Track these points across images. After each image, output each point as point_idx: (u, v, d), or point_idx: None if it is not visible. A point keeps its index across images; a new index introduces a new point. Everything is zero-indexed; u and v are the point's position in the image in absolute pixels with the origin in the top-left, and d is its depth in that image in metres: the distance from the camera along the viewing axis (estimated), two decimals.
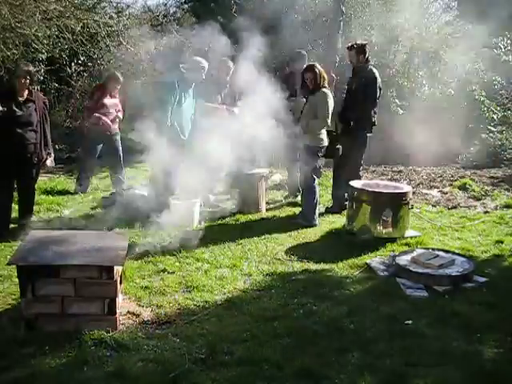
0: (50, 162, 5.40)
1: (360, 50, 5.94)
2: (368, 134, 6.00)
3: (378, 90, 5.96)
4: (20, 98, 5.03)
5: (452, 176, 8.13)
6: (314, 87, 5.58)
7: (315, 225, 5.66)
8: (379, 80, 5.98)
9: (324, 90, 5.56)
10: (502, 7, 9.71)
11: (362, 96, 5.84)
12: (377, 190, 5.29)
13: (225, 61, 6.24)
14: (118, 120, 6.87)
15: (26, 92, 5.06)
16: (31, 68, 5.16)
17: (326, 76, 5.64)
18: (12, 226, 5.21)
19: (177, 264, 4.49)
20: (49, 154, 5.35)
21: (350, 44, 6.15)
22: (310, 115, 5.58)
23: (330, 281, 4.21)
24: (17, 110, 4.98)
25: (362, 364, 3.01)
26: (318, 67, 5.63)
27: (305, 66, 5.88)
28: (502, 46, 10.29)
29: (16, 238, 4.78)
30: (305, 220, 5.70)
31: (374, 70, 5.98)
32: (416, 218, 5.80)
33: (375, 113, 5.97)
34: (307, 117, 5.61)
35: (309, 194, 5.71)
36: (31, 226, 4.99)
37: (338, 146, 5.90)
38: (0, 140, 5.02)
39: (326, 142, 5.70)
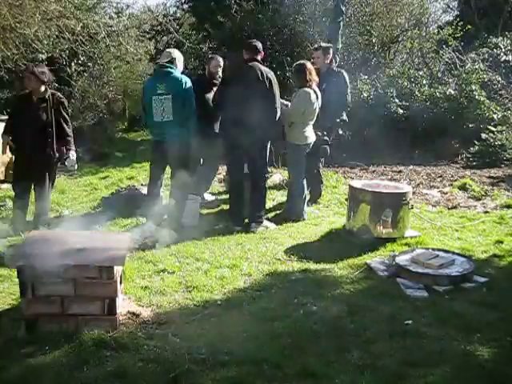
0: (68, 162, 5.20)
1: (326, 50, 6.32)
2: (340, 132, 6.55)
3: (348, 91, 6.43)
4: (33, 98, 5.04)
5: (452, 176, 8.13)
6: (298, 85, 5.75)
7: (304, 219, 5.86)
8: (348, 81, 6.42)
9: (305, 89, 5.64)
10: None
11: (334, 96, 6.10)
12: (377, 189, 5.28)
13: (214, 57, 6.22)
14: None
15: (40, 92, 5.07)
16: (39, 68, 5.13)
17: (313, 76, 5.73)
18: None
19: (177, 264, 4.49)
20: (68, 151, 5.23)
21: (316, 45, 6.66)
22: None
23: (330, 281, 4.21)
24: (28, 110, 4.99)
25: (362, 364, 3.01)
26: (307, 66, 5.73)
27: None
28: (502, 46, 10.31)
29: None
30: (293, 215, 5.84)
31: (344, 72, 6.43)
32: (416, 217, 5.79)
33: (346, 111, 6.44)
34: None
35: (297, 190, 5.86)
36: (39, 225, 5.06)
37: (323, 146, 6.18)
38: (13, 141, 5.06)
39: (311, 139, 5.81)
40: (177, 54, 5.28)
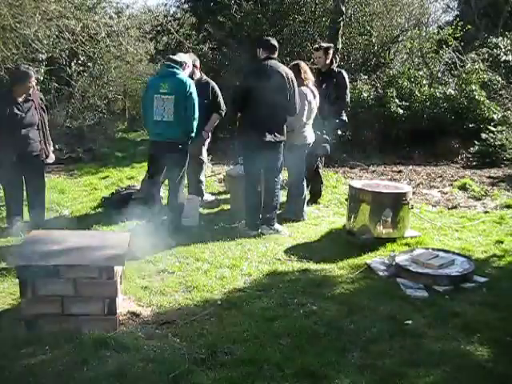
0: (50, 158, 5.42)
1: (327, 50, 6.31)
2: (339, 132, 6.54)
3: (347, 91, 6.42)
4: (19, 99, 5.04)
5: (452, 176, 8.12)
6: None
7: (304, 219, 5.85)
8: (348, 81, 6.41)
9: (301, 88, 5.60)
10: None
11: (333, 96, 6.13)
12: (377, 189, 5.28)
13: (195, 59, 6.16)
14: None
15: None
16: (31, 71, 5.15)
17: (308, 75, 5.74)
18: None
19: (177, 264, 4.50)
20: (48, 149, 5.37)
21: (317, 45, 6.59)
22: None
23: (330, 281, 4.21)
24: (17, 111, 5.00)
25: (362, 364, 3.01)
26: (301, 66, 5.74)
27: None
28: (502, 46, 10.31)
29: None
30: (293, 215, 5.83)
31: (344, 72, 6.41)
32: (416, 217, 5.79)
33: (345, 111, 6.47)
34: None
35: (297, 190, 5.86)
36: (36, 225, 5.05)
37: (323, 145, 6.15)
38: (6, 142, 5.05)
39: (310, 139, 5.82)
40: (185, 57, 5.32)
